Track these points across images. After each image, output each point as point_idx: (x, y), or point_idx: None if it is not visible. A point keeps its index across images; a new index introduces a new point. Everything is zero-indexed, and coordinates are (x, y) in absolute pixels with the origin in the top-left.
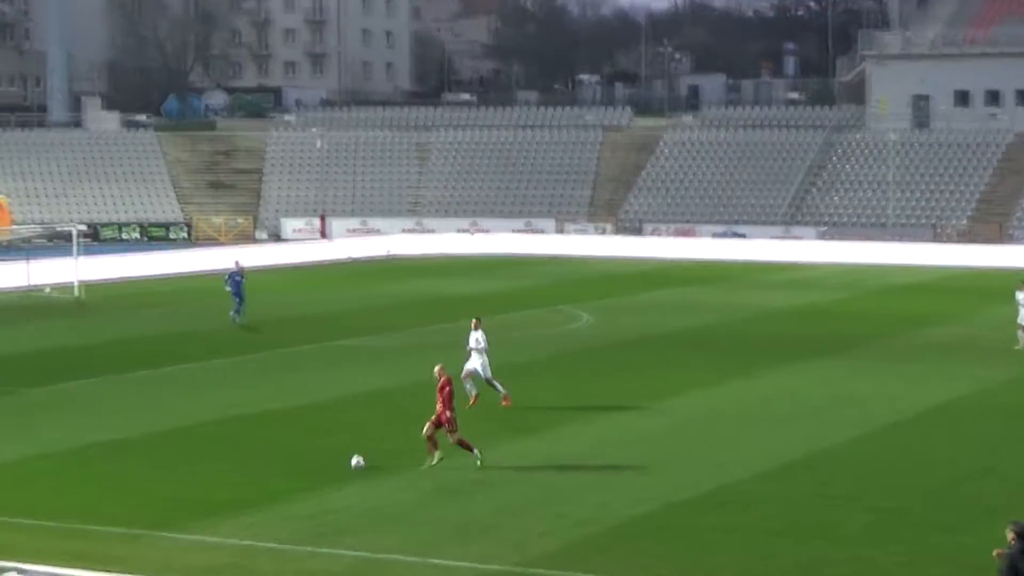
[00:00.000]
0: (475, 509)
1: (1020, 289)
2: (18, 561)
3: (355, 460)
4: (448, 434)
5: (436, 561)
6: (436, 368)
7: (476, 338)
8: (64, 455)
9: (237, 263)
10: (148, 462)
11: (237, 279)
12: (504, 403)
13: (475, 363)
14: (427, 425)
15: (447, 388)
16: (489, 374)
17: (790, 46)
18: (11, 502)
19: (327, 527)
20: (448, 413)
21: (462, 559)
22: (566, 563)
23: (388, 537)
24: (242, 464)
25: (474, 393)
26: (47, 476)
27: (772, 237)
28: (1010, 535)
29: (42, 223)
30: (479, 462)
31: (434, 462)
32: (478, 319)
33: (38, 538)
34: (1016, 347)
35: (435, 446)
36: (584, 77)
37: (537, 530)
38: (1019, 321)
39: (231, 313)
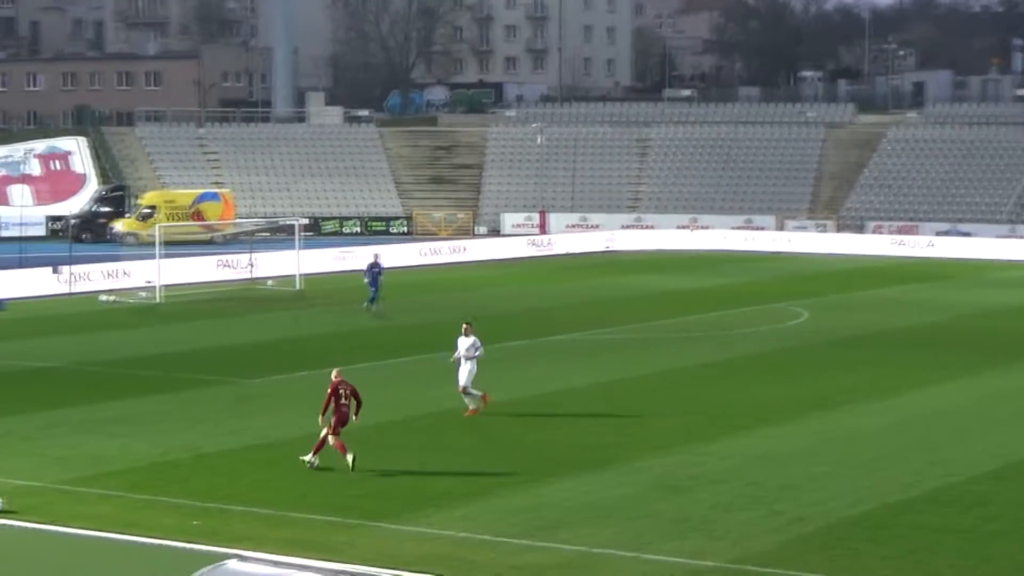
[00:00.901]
0: (691, 505)
1: None
2: (237, 548)
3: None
4: (329, 429)
5: (651, 556)
6: (333, 372)
7: (468, 345)
8: (279, 445)
9: (376, 256)
10: (362, 453)
11: (375, 272)
12: (468, 414)
13: (463, 371)
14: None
15: (344, 390)
16: (468, 382)
17: (1019, 42)
18: (227, 490)
19: (543, 520)
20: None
21: (677, 555)
22: (782, 561)
23: (604, 531)
24: (458, 457)
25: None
26: (262, 465)
27: (997, 236)
28: None
29: (265, 216)
30: (312, 464)
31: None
32: (469, 324)
33: (256, 526)
34: None
35: (344, 449)
36: (806, 73)
37: (753, 527)
38: None
39: (365, 303)
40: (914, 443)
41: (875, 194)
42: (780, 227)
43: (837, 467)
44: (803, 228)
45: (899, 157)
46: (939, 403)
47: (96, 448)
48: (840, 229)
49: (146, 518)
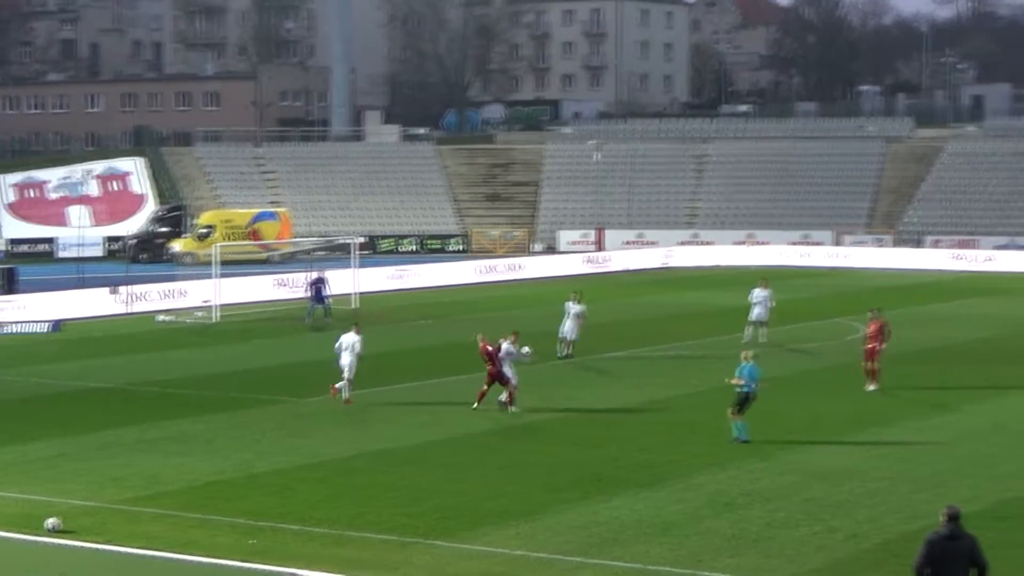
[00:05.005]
0: (746, 522)
1: (759, 286)
2: (292, 567)
3: (50, 522)
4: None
5: (707, 573)
6: (477, 336)
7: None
8: (333, 464)
9: (318, 274)
10: (416, 472)
11: (318, 286)
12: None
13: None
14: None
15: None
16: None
17: None
18: (281, 509)
19: (596, 538)
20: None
21: (734, 572)
22: None
23: (658, 548)
24: (511, 474)
25: None
26: (317, 484)
27: None
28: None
29: (323, 235)
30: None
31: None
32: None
33: (311, 545)
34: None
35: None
36: (864, 87)
37: (808, 544)
38: (750, 318)
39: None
40: (972, 458)
41: (933, 208)
42: (838, 242)
43: (894, 483)
44: (861, 243)
45: (958, 171)
46: (999, 418)
47: (151, 468)
48: (898, 244)
49: (202, 537)
